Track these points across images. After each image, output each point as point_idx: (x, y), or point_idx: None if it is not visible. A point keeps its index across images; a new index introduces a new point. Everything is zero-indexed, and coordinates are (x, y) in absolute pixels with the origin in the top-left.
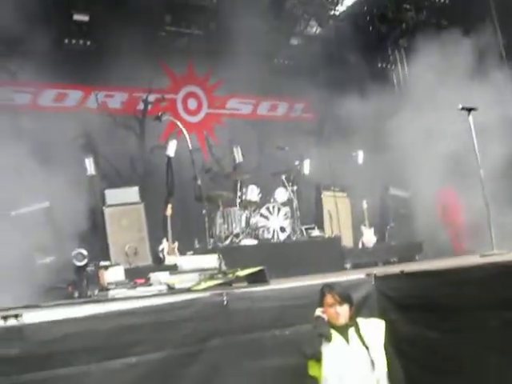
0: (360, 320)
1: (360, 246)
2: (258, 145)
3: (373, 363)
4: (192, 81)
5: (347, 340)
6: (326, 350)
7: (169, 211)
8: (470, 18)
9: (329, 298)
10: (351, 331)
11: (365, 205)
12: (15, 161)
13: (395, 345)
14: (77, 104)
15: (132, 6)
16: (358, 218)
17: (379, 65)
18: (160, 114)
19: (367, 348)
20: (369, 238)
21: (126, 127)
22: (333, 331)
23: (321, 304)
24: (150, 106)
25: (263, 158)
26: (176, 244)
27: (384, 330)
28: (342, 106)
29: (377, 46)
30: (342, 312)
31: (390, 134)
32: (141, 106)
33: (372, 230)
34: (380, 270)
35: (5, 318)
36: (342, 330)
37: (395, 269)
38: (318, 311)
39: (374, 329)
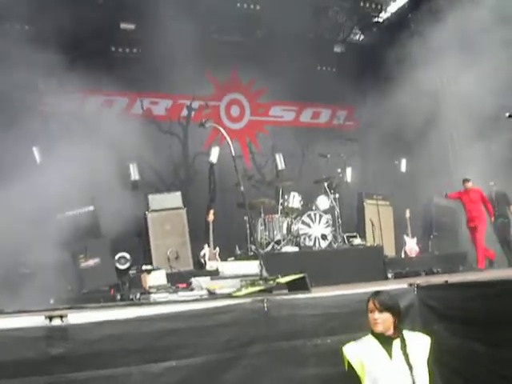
0: (406, 333)
1: (402, 255)
2: (301, 152)
3: (414, 379)
4: (235, 88)
5: (390, 355)
6: (368, 363)
7: (211, 217)
8: None
9: (370, 304)
10: (396, 345)
11: (408, 214)
12: (62, 165)
13: (438, 356)
14: (122, 110)
15: (177, 15)
16: (400, 227)
17: (423, 71)
18: (204, 120)
19: (411, 367)
20: (411, 247)
21: (169, 133)
22: (376, 343)
23: (366, 310)
24: (193, 113)
25: (305, 166)
26: (217, 250)
27: (429, 346)
28: (386, 114)
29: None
30: (381, 320)
31: (435, 142)
32: (185, 113)
33: (415, 239)
34: (423, 280)
35: (50, 318)
36: (387, 343)
37: (438, 279)
38: None
39: (419, 345)
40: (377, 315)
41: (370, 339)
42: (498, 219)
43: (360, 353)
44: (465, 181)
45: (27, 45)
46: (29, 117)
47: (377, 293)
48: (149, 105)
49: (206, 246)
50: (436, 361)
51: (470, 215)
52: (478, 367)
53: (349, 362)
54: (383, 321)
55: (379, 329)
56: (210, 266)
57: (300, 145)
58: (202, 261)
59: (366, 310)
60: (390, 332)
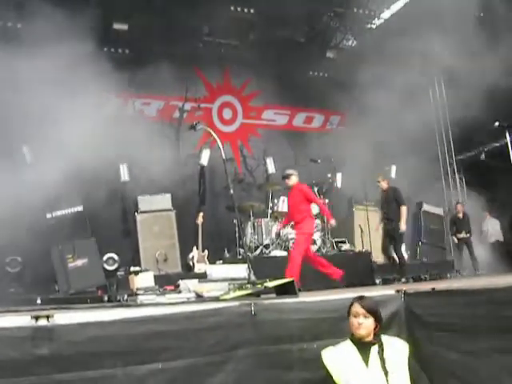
0: (384, 339)
1: (391, 261)
2: (293, 157)
3: (390, 380)
4: (228, 91)
5: (367, 362)
6: (345, 370)
7: (200, 219)
8: None
9: (355, 308)
10: (373, 351)
11: None
12: (52, 165)
13: (420, 365)
14: (114, 111)
15: (170, 17)
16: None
17: (415, 79)
18: (195, 123)
19: (386, 373)
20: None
21: (161, 135)
22: (354, 349)
23: (348, 313)
24: (185, 115)
25: (298, 170)
26: (206, 252)
27: (407, 352)
28: (378, 120)
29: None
30: (365, 324)
31: (424, 149)
32: (176, 115)
33: (403, 246)
34: (410, 287)
35: (36, 318)
36: (365, 349)
37: (426, 286)
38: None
39: (397, 350)
40: (362, 319)
41: (348, 345)
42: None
43: (338, 359)
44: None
45: (19, 42)
46: (19, 116)
47: (361, 297)
48: (141, 106)
49: (194, 248)
50: (414, 369)
51: None
52: (450, 376)
53: (326, 368)
54: (367, 326)
55: (362, 333)
56: (199, 268)
57: (293, 149)
58: (191, 263)
59: (348, 314)
60: (370, 338)
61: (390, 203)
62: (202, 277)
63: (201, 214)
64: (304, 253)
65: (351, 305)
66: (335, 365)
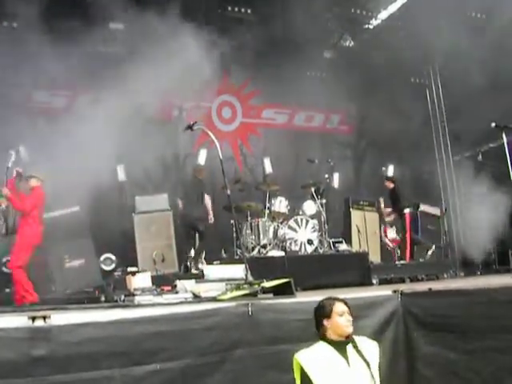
0: (356, 337)
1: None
2: (294, 156)
3: (373, 377)
4: (227, 90)
5: (348, 361)
6: (326, 370)
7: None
8: None
9: (341, 306)
10: (349, 349)
11: (382, 203)
12: (48, 164)
13: (412, 364)
14: (112, 109)
15: (167, 16)
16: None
17: (412, 80)
18: (192, 123)
19: (368, 364)
20: (392, 237)
21: (160, 134)
22: (331, 349)
23: (328, 315)
24: (184, 114)
25: (298, 170)
26: (203, 252)
27: (378, 351)
28: (377, 120)
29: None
30: (351, 322)
31: (422, 150)
32: (175, 113)
33: (394, 228)
34: (407, 287)
35: (33, 318)
36: (341, 348)
37: (423, 286)
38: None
39: (370, 349)
40: (350, 317)
41: (323, 346)
42: None
43: (316, 360)
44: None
45: (15, 42)
46: (16, 114)
47: (337, 298)
48: (139, 104)
49: (191, 248)
50: (411, 368)
51: None
52: (450, 376)
53: (303, 370)
54: (351, 323)
55: (351, 330)
56: (196, 268)
57: (293, 148)
58: (188, 263)
59: (326, 315)
60: (343, 337)
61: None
62: (199, 277)
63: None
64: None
65: (332, 305)
66: (314, 366)
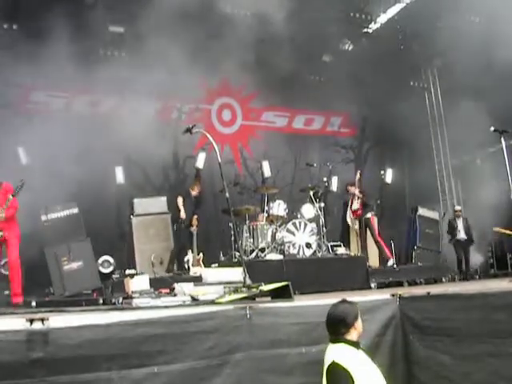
0: None
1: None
2: (293, 159)
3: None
4: (226, 92)
5: (370, 358)
6: (367, 371)
7: (194, 222)
8: None
9: (358, 309)
10: (363, 351)
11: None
12: (47, 165)
13: (408, 368)
14: (111, 111)
15: (167, 19)
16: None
17: (411, 83)
18: (190, 126)
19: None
20: (355, 207)
21: (159, 136)
22: (359, 351)
23: (357, 318)
24: (183, 116)
25: (298, 173)
26: (201, 255)
27: None
28: (377, 123)
29: (409, 65)
30: None
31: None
32: (175, 115)
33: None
34: (405, 291)
35: (31, 321)
36: (359, 348)
37: (421, 290)
38: None
39: None
40: None
41: (350, 347)
42: None
43: (357, 361)
44: None
45: (15, 44)
46: (14, 115)
47: (350, 301)
48: (138, 106)
49: (189, 251)
50: (409, 372)
51: None
52: (442, 380)
53: (349, 374)
54: None
55: None
56: (194, 272)
57: (293, 151)
58: (186, 266)
59: (356, 317)
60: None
61: None
62: (198, 280)
63: (195, 217)
64: None
65: (357, 309)
66: (358, 367)
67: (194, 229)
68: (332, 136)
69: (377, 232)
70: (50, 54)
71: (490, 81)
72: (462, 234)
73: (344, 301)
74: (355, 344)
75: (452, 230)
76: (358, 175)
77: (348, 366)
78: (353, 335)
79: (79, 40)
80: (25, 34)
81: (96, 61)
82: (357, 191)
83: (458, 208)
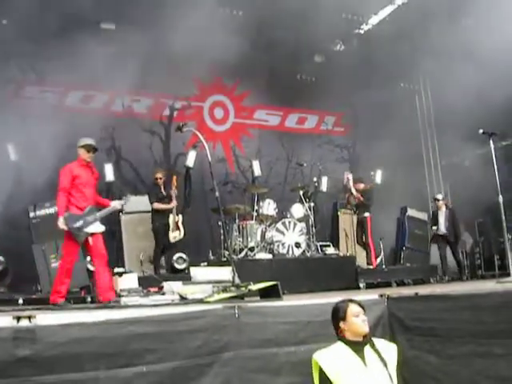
0: (374, 339)
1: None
2: (286, 158)
3: (391, 378)
4: (219, 90)
5: (364, 362)
6: (344, 370)
7: (174, 183)
8: None
9: (355, 307)
10: (367, 350)
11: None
12: (36, 162)
13: (401, 368)
14: (103, 107)
15: (159, 16)
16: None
17: (401, 85)
18: (181, 124)
19: (385, 363)
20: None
21: (151, 133)
22: (349, 350)
23: (344, 317)
24: (175, 113)
25: (290, 172)
26: (180, 217)
27: (396, 353)
28: (368, 124)
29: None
30: (366, 321)
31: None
32: (166, 112)
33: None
34: (394, 292)
35: (18, 318)
36: (358, 349)
37: (409, 291)
38: None
39: (388, 350)
40: (364, 317)
41: (341, 346)
42: None
43: (335, 360)
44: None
45: (6, 39)
46: (4, 111)
47: (351, 299)
48: (130, 102)
49: (170, 215)
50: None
51: None
52: (428, 379)
53: (321, 370)
54: (366, 323)
55: (367, 329)
56: (173, 236)
57: (285, 150)
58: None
59: (342, 317)
60: (360, 338)
61: None
62: (186, 279)
63: (174, 177)
64: None
65: (346, 307)
66: (333, 366)
67: (173, 190)
68: (325, 135)
69: (370, 233)
70: (41, 50)
71: (480, 83)
72: (442, 228)
73: (344, 300)
74: (350, 343)
75: (434, 222)
76: (350, 175)
77: (323, 364)
78: (346, 334)
79: (72, 35)
80: (15, 30)
81: (88, 56)
82: (362, 186)
83: (438, 197)
